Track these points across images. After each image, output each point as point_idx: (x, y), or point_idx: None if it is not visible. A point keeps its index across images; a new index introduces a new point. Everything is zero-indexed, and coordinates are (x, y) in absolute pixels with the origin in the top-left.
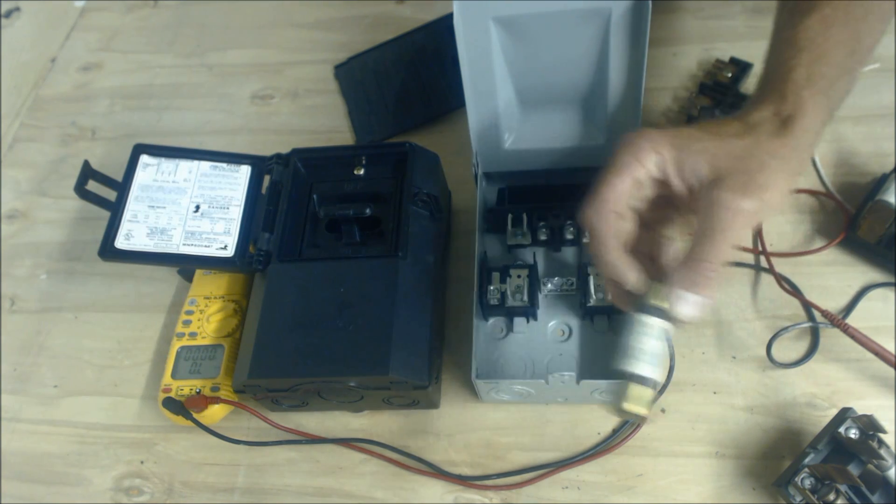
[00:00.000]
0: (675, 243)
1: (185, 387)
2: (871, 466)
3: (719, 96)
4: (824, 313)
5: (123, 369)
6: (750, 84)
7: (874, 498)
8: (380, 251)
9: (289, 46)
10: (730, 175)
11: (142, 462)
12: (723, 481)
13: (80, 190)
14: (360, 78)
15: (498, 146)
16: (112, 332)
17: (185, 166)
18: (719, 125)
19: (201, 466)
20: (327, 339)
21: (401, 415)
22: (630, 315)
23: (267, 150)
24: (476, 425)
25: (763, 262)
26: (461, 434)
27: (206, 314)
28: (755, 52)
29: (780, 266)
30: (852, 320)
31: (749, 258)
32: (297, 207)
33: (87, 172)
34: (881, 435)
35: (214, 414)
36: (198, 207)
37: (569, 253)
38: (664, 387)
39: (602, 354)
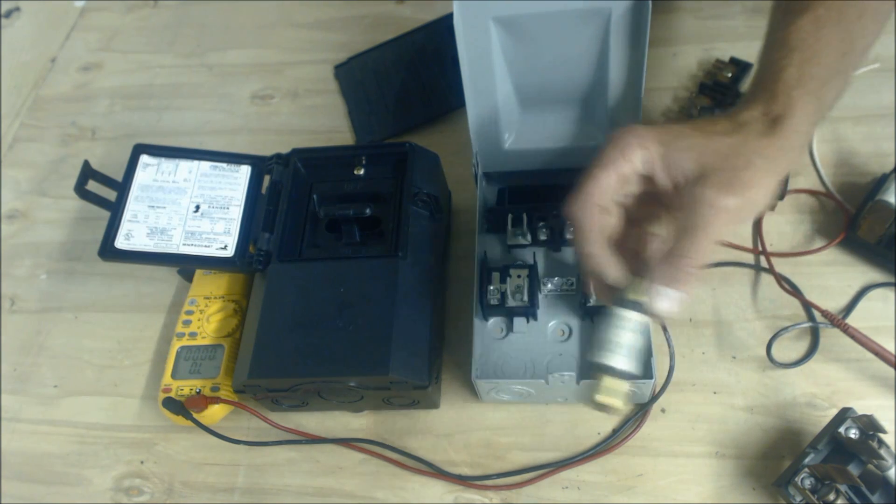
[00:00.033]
0: (660, 239)
1: (185, 387)
2: (871, 466)
3: (719, 96)
4: (824, 313)
5: (123, 369)
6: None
7: (874, 498)
8: (380, 251)
9: (289, 46)
10: (714, 172)
11: (142, 462)
12: (723, 481)
13: (80, 190)
14: (360, 78)
15: (498, 146)
16: (112, 332)
17: (185, 166)
18: (708, 123)
19: (201, 466)
20: (327, 339)
21: (401, 415)
22: (609, 309)
23: (267, 150)
24: (476, 425)
25: (763, 262)
26: (461, 434)
27: (206, 314)
28: (755, 52)
29: (780, 266)
30: (852, 320)
31: (749, 258)
32: (297, 207)
33: (87, 172)
34: (881, 435)
35: (214, 414)
36: (198, 207)
37: (569, 253)
38: (664, 387)
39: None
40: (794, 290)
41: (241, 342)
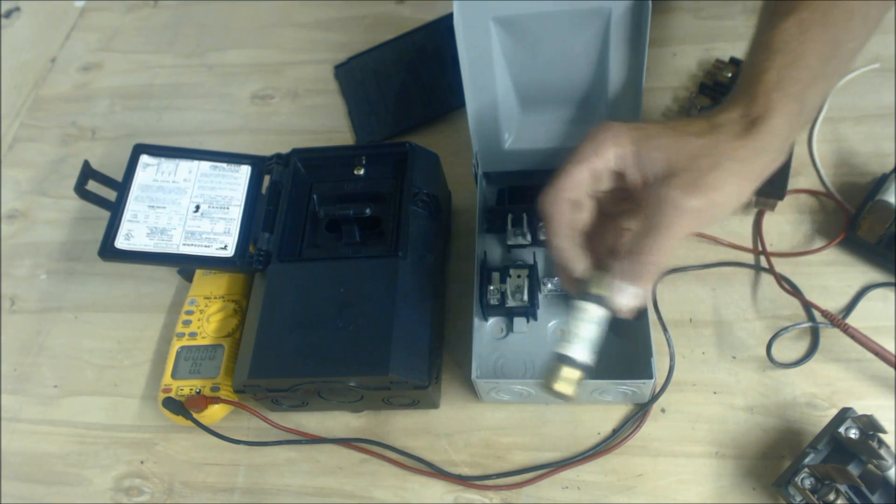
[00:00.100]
0: (632, 234)
1: (185, 387)
2: (871, 466)
3: (719, 96)
4: (824, 313)
5: (123, 369)
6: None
7: (874, 498)
8: (380, 251)
9: (289, 46)
10: (681, 172)
11: (142, 462)
12: (723, 481)
13: (80, 190)
14: (360, 78)
15: (498, 146)
16: (112, 332)
17: (185, 166)
18: (683, 123)
19: (201, 466)
20: (327, 339)
21: (400, 415)
22: (573, 301)
23: (267, 150)
24: (476, 425)
25: (763, 262)
26: (461, 434)
27: (206, 314)
28: None
29: (780, 266)
30: (852, 320)
31: (749, 258)
32: (297, 207)
33: (87, 172)
34: (881, 435)
35: (214, 414)
36: (198, 207)
37: None
38: (664, 387)
39: (602, 354)
40: (794, 290)
41: (241, 342)
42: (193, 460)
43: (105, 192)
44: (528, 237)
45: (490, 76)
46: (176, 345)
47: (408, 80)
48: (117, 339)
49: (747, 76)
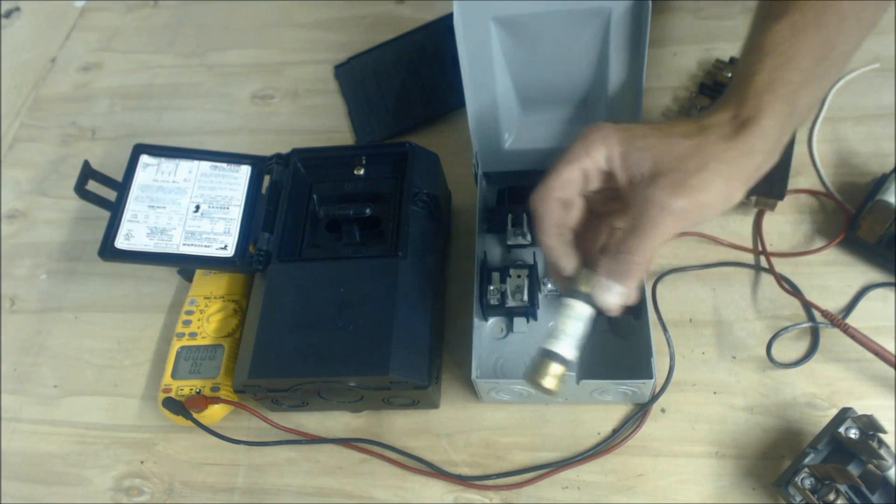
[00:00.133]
0: (617, 234)
1: (185, 387)
2: (871, 466)
3: (719, 96)
4: (824, 313)
5: (123, 369)
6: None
7: (874, 498)
8: (380, 251)
9: (289, 46)
10: (667, 173)
11: (142, 462)
12: (723, 481)
13: (80, 190)
14: (360, 78)
15: (498, 146)
16: (112, 332)
17: (185, 166)
18: (672, 125)
19: (201, 466)
20: (327, 339)
21: (400, 415)
22: (561, 298)
23: (267, 150)
24: (476, 425)
25: (763, 262)
26: (461, 434)
27: (206, 314)
28: None
29: (780, 266)
30: (852, 320)
31: (749, 258)
32: (297, 207)
33: (87, 172)
34: (881, 435)
35: (214, 414)
36: (198, 207)
37: None
38: (664, 387)
39: (602, 354)
40: (794, 290)
41: (241, 342)
42: (193, 460)
43: (105, 192)
44: (528, 237)
45: (490, 76)
46: (176, 345)
47: (408, 80)
48: (117, 339)
49: (738, 78)
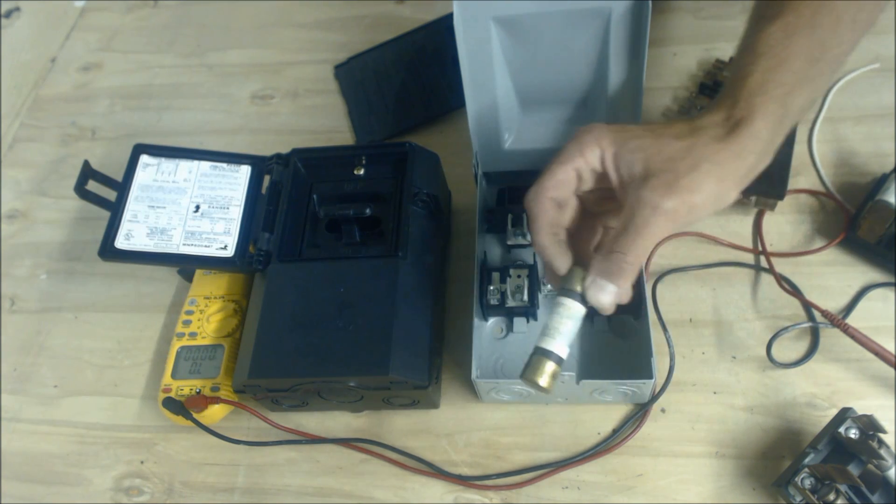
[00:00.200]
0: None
1: (185, 387)
2: (871, 466)
3: None
4: (824, 313)
5: (123, 369)
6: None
7: (874, 498)
8: (380, 251)
9: (289, 46)
10: (658, 174)
11: (142, 462)
12: (723, 481)
13: (80, 190)
14: (360, 78)
15: (498, 146)
16: (112, 332)
17: (185, 166)
18: (664, 126)
19: (201, 466)
20: (327, 339)
21: (401, 415)
22: (556, 297)
23: (267, 150)
24: (476, 425)
25: (763, 262)
26: (461, 434)
27: (206, 314)
28: None
29: (780, 266)
30: (852, 320)
31: (749, 258)
32: (297, 207)
33: (87, 172)
34: (881, 435)
35: (214, 414)
36: (198, 207)
37: None
38: (664, 387)
39: (602, 354)
40: (794, 290)
41: (241, 342)
42: (193, 460)
43: (105, 192)
44: (528, 237)
45: (490, 76)
46: (176, 345)
47: (408, 80)
48: (117, 339)
49: (732, 80)
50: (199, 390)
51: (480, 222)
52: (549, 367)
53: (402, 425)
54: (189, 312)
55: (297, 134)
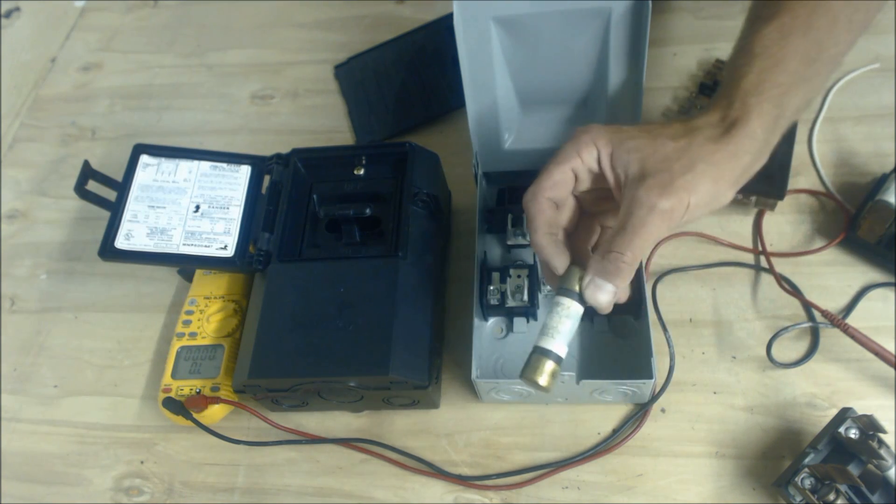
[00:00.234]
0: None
1: (185, 387)
2: (871, 466)
3: None
4: (824, 313)
5: (123, 369)
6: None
7: (874, 498)
8: (380, 251)
9: (289, 46)
10: (654, 174)
11: (142, 462)
12: (723, 481)
13: (80, 190)
14: (360, 78)
15: (498, 146)
16: (112, 332)
17: (185, 166)
18: (660, 126)
19: (201, 466)
20: (327, 339)
21: (400, 415)
22: (554, 296)
23: (267, 150)
24: (476, 425)
25: (763, 262)
26: (461, 434)
27: (206, 314)
28: None
29: (780, 266)
30: (852, 320)
31: (749, 258)
32: (297, 207)
33: (87, 172)
34: (881, 435)
35: (214, 414)
36: (198, 207)
37: None
38: (664, 387)
39: (602, 354)
40: (794, 290)
41: (241, 342)
42: (193, 460)
43: (105, 192)
44: (528, 237)
45: (490, 76)
46: (176, 345)
47: (408, 80)
48: (117, 339)
49: (727, 80)
50: (199, 390)
51: (480, 222)
52: (549, 366)
53: (402, 425)
54: (189, 312)
55: (297, 134)
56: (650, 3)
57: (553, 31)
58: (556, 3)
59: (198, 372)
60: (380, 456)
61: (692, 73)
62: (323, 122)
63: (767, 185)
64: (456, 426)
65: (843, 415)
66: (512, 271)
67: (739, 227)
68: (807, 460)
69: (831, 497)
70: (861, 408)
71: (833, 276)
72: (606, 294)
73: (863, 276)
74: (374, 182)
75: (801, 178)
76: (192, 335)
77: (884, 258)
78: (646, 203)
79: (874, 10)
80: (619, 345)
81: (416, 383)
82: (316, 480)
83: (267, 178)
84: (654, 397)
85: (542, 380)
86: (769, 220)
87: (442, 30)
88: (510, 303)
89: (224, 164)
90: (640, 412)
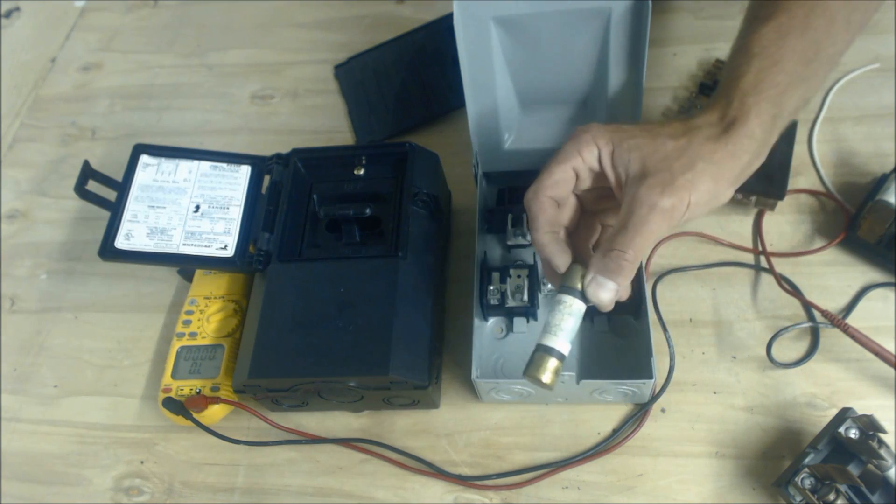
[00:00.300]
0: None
1: (185, 387)
2: (871, 466)
3: None
4: (824, 313)
5: (123, 369)
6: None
7: (874, 498)
8: (380, 251)
9: (289, 46)
10: (654, 173)
11: (142, 462)
12: (723, 481)
13: (80, 190)
14: (360, 78)
15: (498, 146)
16: (112, 332)
17: (185, 166)
18: (660, 126)
19: (201, 466)
20: (327, 339)
21: (401, 415)
22: (556, 294)
23: (267, 150)
24: (476, 425)
25: (763, 262)
26: (461, 434)
27: (206, 314)
28: None
29: (780, 266)
30: (852, 320)
31: (749, 258)
32: (297, 207)
33: (87, 172)
34: (881, 435)
35: (214, 414)
36: (198, 207)
37: None
38: (664, 387)
39: (602, 354)
40: (794, 290)
41: (241, 342)
42: (193, 460)
43: (105, 192)
44: (528, 237)
45: (490, 76)
46: (176, 345)
47: (408, 80)
48: (117, 339)
49: (726, 80)
50: (199, 390)
51: (480, 222)
52: (552, 363)
53: (402, 425)
54: (189, 312)
55: (297, 134)
56: (650, 3)
57: (553, 32)
58: (556, 3)
59: (198, 372)
60: (380, 456)
61: (692, 73)
62: (323, 122)
63: (767, 185)
64: (456, 426)
65: (843, 415)
66: (512, 271)
67: (739, 227)
68: (807, 460)
69: (831, 497)
70: (861, 408)
71: (833, 276)
72: (608, 292)
73: (863, 276)
74: (374, 182)
75: (801, 178)
76: (192, 335)
77: (884, 258)
78: (647, 201)
79: (872, 10)
80: (619, 345)
81: (416, 383)
82: (316, 480)
83: (267, 178)
84: (654, 397)
85: (546, 377)
86: (769, 220)
87: (442, 30)
88: (510, 303)
89: (224, 164)
90: (640, 412)
